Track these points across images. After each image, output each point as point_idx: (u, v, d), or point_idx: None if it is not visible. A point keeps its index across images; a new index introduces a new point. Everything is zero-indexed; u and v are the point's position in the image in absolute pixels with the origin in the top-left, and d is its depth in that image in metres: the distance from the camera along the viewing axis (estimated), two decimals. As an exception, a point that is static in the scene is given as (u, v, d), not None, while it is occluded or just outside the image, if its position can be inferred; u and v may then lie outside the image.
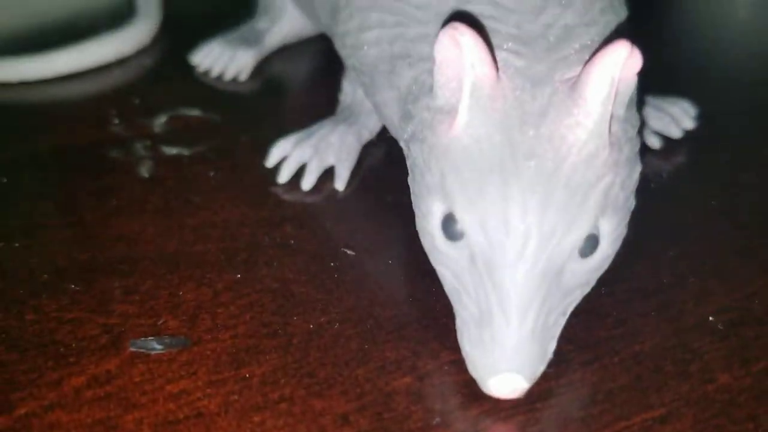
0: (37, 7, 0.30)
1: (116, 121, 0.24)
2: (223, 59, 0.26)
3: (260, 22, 0.27)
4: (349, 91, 0.22)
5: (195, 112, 0.24)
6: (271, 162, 0.21)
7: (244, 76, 0.26)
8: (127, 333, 0.16)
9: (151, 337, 0.16)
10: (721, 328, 0.16)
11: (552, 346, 0.14)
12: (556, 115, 0.14)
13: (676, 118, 0.22)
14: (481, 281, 0.14)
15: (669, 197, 0.20)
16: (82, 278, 0.18)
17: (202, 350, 0.16)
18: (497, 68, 0.14)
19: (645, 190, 0.20)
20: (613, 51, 0.13)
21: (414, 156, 0.16)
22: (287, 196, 0.20)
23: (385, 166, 0.22)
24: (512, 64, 0.15)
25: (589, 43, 0.15)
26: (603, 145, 0.14)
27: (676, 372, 0.15)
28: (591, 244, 0.14)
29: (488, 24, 0.16)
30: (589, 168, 0.14)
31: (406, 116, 0.17)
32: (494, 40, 0.15)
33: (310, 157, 0.21)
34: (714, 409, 0.14)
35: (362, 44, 0.19)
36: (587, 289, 0.15)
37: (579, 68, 0.14)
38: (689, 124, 0.22)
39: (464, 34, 0.14)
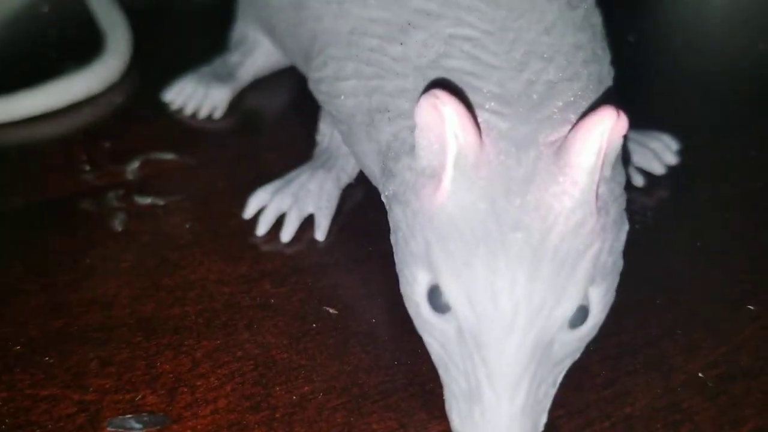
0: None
1: (87, 168, 0.23)
2: (196, 96, 0.25)
3: (233, 56, 0.27)
4: (327, 132, 0.22)
5: (169, 156, 0.23)
6: (248, 213, 0.20)
7: (218, 113, 0.25)
8: (104, 410, 0.16)
9: (129, 415, 0.16)
10: (711, 385, 0.16)
11: (543, 419, 0.14)
12: (541, 182, 0.13)
13: (658, 153, 0.21)
14: (469, 355, 0.13)
15: (654, 238, 0.20)
16: (57, 349, 0.17)
17: (182, 429, 0.15)
18: (480, 133, 0.14)
19: (630, 231, 0.20)
20: (600, 119, 0.13)
21: (397, 218, 0.15)
22: (266, 248, 0.20)
23: (364, 210, 0.21)
24: (495, 126, 0.14)
25: (572, 99, 0.15)
26: (590, 212, 0.13)
27: (666, 435, 0.15)
28: (581, 314, 0.14)
29: (469, 81, 0.15)
30: (577, 237, 0.13)
31: (388, 174, 0.16)
32: (475, 99, 0.15)
33: (289, 207, 0.20)
34: (707, 475, 0.14)
35: (339, 93, 0.18)
36: (577, 356, 0.14)
37: (563, 128, 0.14)
38: (671, 159, 0.21)
39: (446, 103, 0.13)
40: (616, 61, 0.29)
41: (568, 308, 0.13)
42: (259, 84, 0.27)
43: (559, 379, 0.14)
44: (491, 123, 0.14)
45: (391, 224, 0.16)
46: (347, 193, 0.21)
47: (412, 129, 0.15)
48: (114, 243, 0.20)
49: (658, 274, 0.18)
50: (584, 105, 0.15)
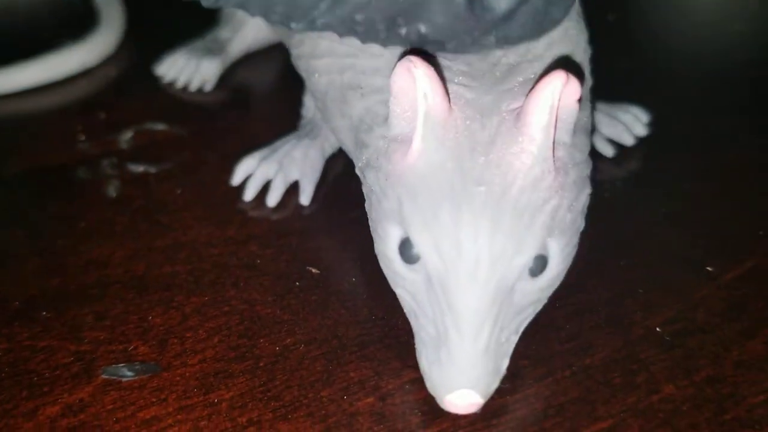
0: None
1: (82, 137, 0.24)
2: (188, 70, 0.26)
3: (223, 31, 0.27)
4: (310, 105, 0.23)
5: (161, 127, 0.24)
6: (236, 180, 0.21)
7: (209, 87, 0.26)
8: (99, 360, 0.17)
9: (122, 364, 0.17)
10: (667, 338, 0.17)
11: (505, 362, 0.15)
12: (503, 143, 0.14)
13: (628, 125, 0.22)
14: (437, 302, 0.14)
15: (621, 205, 0.21)
16: (54, 305, 0.18)
17: (171, 376, 0.16)
18: (449, 100, 0.15)
19: (599, 199, 0.21)
20: (550, 81, 0.14)
21: (370, 183, 0.16)
22: (253, 213, 0.21)
23: (347, 179, 0.22)
24: (463, 95, 0.15)
25: (532, 76, 0.16)
26: (548, 169, 0.14)
27: (624, 384, 0.16)
28: (540, 264, 0.14)
29: (441, 61, 0.16)
30: (535, 191, 0.14)
31: (360, 145, 0.17)
32: (446, 75, 0.16)
33: (275, 173, 0.21)
34: (658, 419, 0.15)
35: (313, 71, 0.19)
36: (539, 307, 0.15)
37: (523, 98, 0.15)
38: (641, 130, 0.22)
39: (418, 66, 0.14)
40: (594, 40, 0.29)
41: (526, 256, 0.14)
42: (249, 59, 0.28)
43: (522, 328, 0.15)
44: (459, 93, 0.15)
45: (365, 191, 0.17)
46: (330, 162, 0.22)
47: (385, 102, 0.16)
48: (108, 208, 0.21)
49: (622, 238, 0.19)
50: None
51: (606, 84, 0.23)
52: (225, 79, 0.27)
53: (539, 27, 0.16)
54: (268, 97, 0.26)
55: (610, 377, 0.16)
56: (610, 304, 0.17)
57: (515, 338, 0.15)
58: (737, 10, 0.31)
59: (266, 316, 0.17)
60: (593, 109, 0.19)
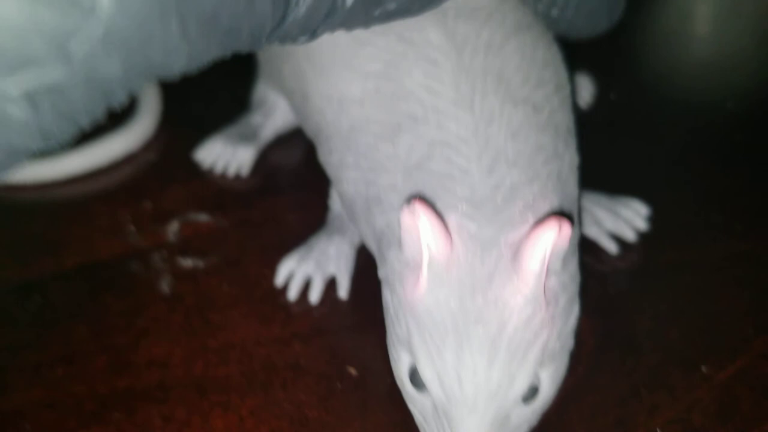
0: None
1: (132, 228, 0.26)
2: (225, 157, 0.28)
3: (255, 117, 0.29)
4: (337, 200, 0.24)
5: (204, 218, 0.26)
6: (279, 281, 0.23)
7: (245, 172, 0.28)
8: (170, 462, 0.19)
9: (190, 467, 0.19)
10: (668, 440, 0.19)
11: None
12: (500, 281, 0.16)
13: (629, 220, 0.24)
14: (441, 426, 0.16)
15: (626, 301, 0.23)
16: (124, 406, 0.20)
17: (235, 479, 0.18)
18: (451, 236, 0.17)
19: (605, 295, 0.23)
20: (543, 232, 0.15)
21: (386, 300, 0.18)
22: (294, 310, 0.23)
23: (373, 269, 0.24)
24: (466, 227, 0.17)
25: (531, 200, 0.18)
26: (539, 307, 0.16)
27: (631, 485, 0.18)
28: (532, 391, 0.17)
29: (445, 183, 0.18)
30: (528, 328, 0.16)
31: (381, 258, 0.19)
32: (449, 201, 0.17)
33: (313, 271, 0.23)
34: None
35: (342, 179, 0.21)
36: (534, 423, 0.17)
37: (522, 228, 0.17)
38: (642, 225, 0.24)
39: (421, 217, 0.16)
40: (598, 120, 0.31)
41: (520, 388, 0.16)
42: (278, 140, 0.30)
43: None
44: (462, 225, 0.17)
45: (383, 303, 0.19)
46: (360, 252, 0.24)
47: (400, 222, 0.17)
48: (163, 304, 0.23)
49: (627, 336, 0.21)
50: (542, 205, 0.18)
51: (606, 167, 0.25)
52: (258, 162, 0.29)
53: None
54: (299, 182, 0.28)
55: (618, 479, 0.18)
56: (619, 406, 0.20)
57: None
58: (730, 88, 0.32)
59: (314, 418, 0.20)
60: (580, 223, 0.21)
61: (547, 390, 0.17)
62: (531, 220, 0.17)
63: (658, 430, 0.19)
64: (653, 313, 0.22)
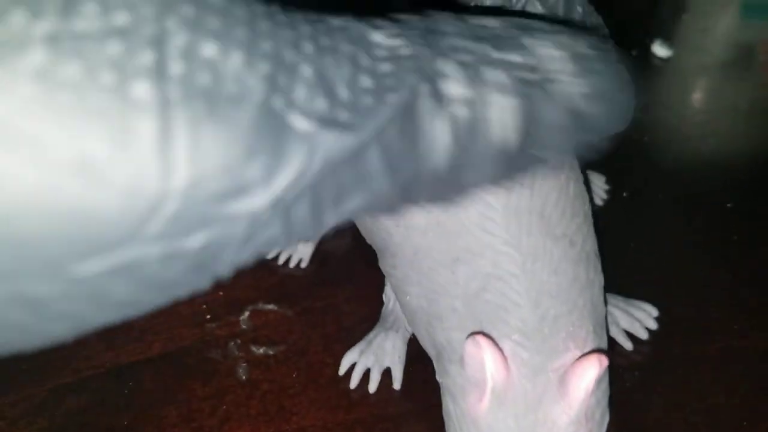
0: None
1: (208, 316, 0.29)
2: (288, 249, 0.32)
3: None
4: (392, 298, 0.28)
5: (271, 306, 0.30)
6: (343, 370, 0.27)
7: (304, 263, 0.32)
8: None
9: None
10: None
11: None
12: (548, 402, 0.20)
13: (641, 320, 0.28)
14: None
15: (640, 394, 0.26)
16: (216, 485, 0.23)
17: None
18: (507, 362, 0.20)
19: (623, 389, 0.26)
20: (588, 367, 0.19)
21: (448, 407, 0.22)
22: (355, 396, 0.26)
23: (424, 363, 0.27)
24: (519, 355, 0.20)
25: (571, 329, 0.21)
26: (581, 425, 0.20)
27: None
28: None
29: (499, 314, 0.21)
30: None
31: (442, 369, 0.22)
32: (503, 329, 0.21)
33: (372, 363, 0.27)
34: None
35: (405, 292, 0.24)
36: None
37: (566, 356, 0.20)
38: (652, 325, 0.28)
39: (486, 351, 0.19)
40: (610, 222, 0.35)
41: None
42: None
43: None
44: (516, 352, 0.20)
45: (443, 407, 0.22)
46: (410, 344, 0.28)
47: (461, 341, 0.21)
48: (241, 390, 0.26)
49: (642, 426, 0.25)
50: (580, 332, 0.21)
51: (620, 264, 0.29)
52: (315, 251, 0.32)
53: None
54: (352, 274, 0.31)
55: None
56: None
57: None
58: (733, 185, 0.36)
59: (379, 498, 0.23)
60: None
61: None
62: (572, 347, 0.20)
63: None
64: (662, 404, 0.26)
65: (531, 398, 0.20)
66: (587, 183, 0.26)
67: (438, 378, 0.23)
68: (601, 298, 0.23)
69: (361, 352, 0.27)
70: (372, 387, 0.26)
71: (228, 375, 0.27)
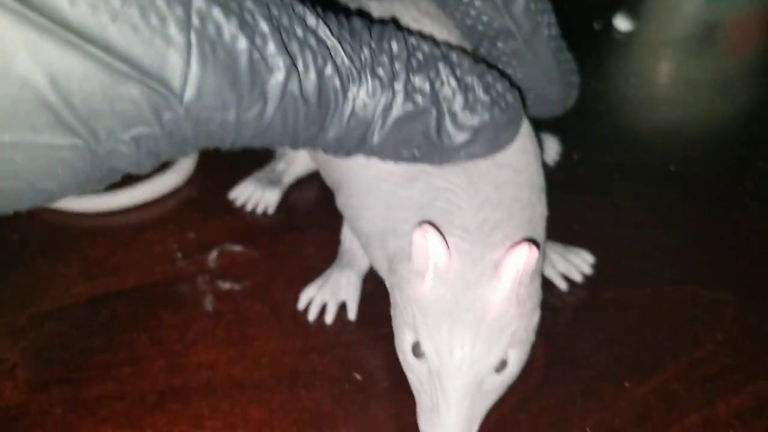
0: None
1: (179, 255, 0.31)
2: (254, 197, 0.34)
3: (279, 164, 0.35)
4: (348, 237, 0.30)
5: (238, 248, 0.32)
6: (301, 305, 0.29)
7: (271, 210, 0.33)
8: (217, 443, 0.24)
9: (234, 447, 0.24)
10: (594, 437, 0.24)
11: (476, 428, 0.22)
12: (484, 284, 0.22)
13: (577, 266, 0.30)
14: (434, 385, 0.22)
15: (573, 329, 0.28)
16: (180, 399, 0.25)
17: (268, 457, 0.24)
18: (450, 251, 0.22)
19: (557, 323, 0.28)
20: (519, 250, 0.21)
21: (395, 299, 0.24)
22: (313, 328, 0.28)
23: (377, 297, 0.29)
24: (461, 246, 0.22)
25: (509, 232, 0.23)
26: (512, 305, 0.22)
27: (564, 470, 0.23)
28: (502, 365, 0.22)
29: (446, 216, 0.23)
30: (503, 318, 0.22)
31: (392, 271, 0.24)
32: (449, 229, 0.23)
33: (328, 298, 0.28)
34: (585, 495, 0.23)
35: (359, 219, 0.26)
36: (501, 392, 0.23)
37: (502, 250, 0.22)
38: (588, 270, 0.30)
39: (430, 238, 0.21)
40: (561, 176, 0.37)
41: (494, 359, 0.22)
42: (298, 182, 0.35)
43: (488, 404, 0.22)
44: (459, 244, 0.22)
45: (391, 302, 0.24)
46: (366, 281, 0.30)
47: (411, 244, 0.23)
48: (208, 320, 0.28)
49: (570, 356, 0.27)
50: (518, 237, 0.23)
51: (564, 219, 0.31)
52: (282, 201, 0.34)
53: (494, 148, 0.23)
54: (316, 221, 0.33)
55: (556, 465, 0.24)
56: (559, 409, 0.25)
57: (485, 411, 0.22)
58: (674, 150, 0.38)
59: (327, 412, 0.25)
60: (545, 257, 0.26)
61: (513, 366, 0.22)
62: (509, 245, 0.22)
63: (587, 429, 0.25)
64: (591, 339, 0.28)
65: (469, 280, 0.22)
66: (540, 139, 0.28)
67: (388, 283, 0.24)
68: (541, 225, 0.25)
69: (319, 288, 0.29)
70: (329, 318, 0.28)
71: (195, 306, 0.29)
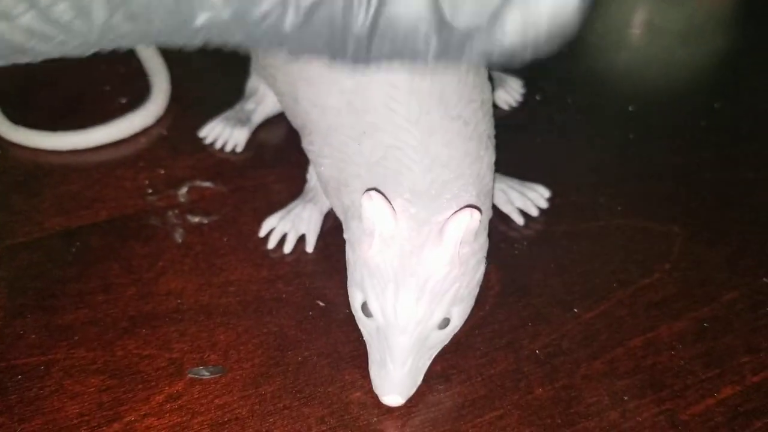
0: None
1: (150, 191, 0.32)
2: (223, 135, 0.34)
3: (248, 104, 0.35)
4: (313, 176, 0.31)
5: (207, 184, 0.32)
6: (262, 233, 0.29)
7: (239, 148, 0.34)
8: (185, 364, 0.25)
9: (201, 367, 0.25)
10: (542, 358, 0.26)
11: (419, 379, 0.23)
12: (428, 248, 0.22)
13: (534, 200, 0.31)
14: (381, 341, 0.23)
15: (526, 259, 0.29)
16: (150, 324, 0.26)
17: (234, 375, 0.25)
18: (396, 214, 0.23)
19: (510, 255, 0.29)
20: (460, 218, 0.22)
21: (348, 256, 0.24)
22: (276, 258, 0.29)
23: (338, 231, 0.30)
24: (407, 209, 0.23)
25: (456, 192, 0.24)
26: (454, 266, 0.22)
27: (511, 387, 0.25)
28: (445, 322, 0.23)
29: (395, 177, 0.24)
30: (445, 281, 0.22)
31: (346, 225, 0.25)
32: (397, 189, 0.23)
33: (289, 229, 0.29)
34: (530, 411, 0.24)
35: (320, 164, 0.27)
36: (445, 343, 0.24)
37: (448, 212, 0.23)
38: (543, 204, 0.31)
39: (376, 203, 0.22)
40: (522, 117, 0.38)
41: (437, 319, 0.23)
42: (268, 121, 0.36)
43: (432, 356, 0.24)
44: (405, 207, 0.23)
45: (346, 258, 0.25)
46: (327, 218, 0.30)
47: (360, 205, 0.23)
48: (177, 251, 0.29)
49: (523, 284, 0.28)
50: (464, 196, 0.24)
51: (522, 157, 0.32)
52: (251, 140, 0.35)
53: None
54: (283, 158, 0.34)
55: (504, 382, 0.25)
56: (510, 333, 0.26)
57: (428, 363, 0.24)
58: (631, 90, 0.39)
59: (291, 336, 0.26)
60: (493, 206, 0.27)
61: (456, 321, 0.23)
62: (455, 206, 0.23)
63: (537, 351, 0.26)
64: (544, 268, 0.29)
65: (415, 243, 0.22)
66: (492, 78, 0.29)
67: (344, 236, 0.25)
68: (489, 175, 0.26)
69: (281, 218, 0.29)
70: (287, 248, 0.29)
71: (165, 238, 0.30)
